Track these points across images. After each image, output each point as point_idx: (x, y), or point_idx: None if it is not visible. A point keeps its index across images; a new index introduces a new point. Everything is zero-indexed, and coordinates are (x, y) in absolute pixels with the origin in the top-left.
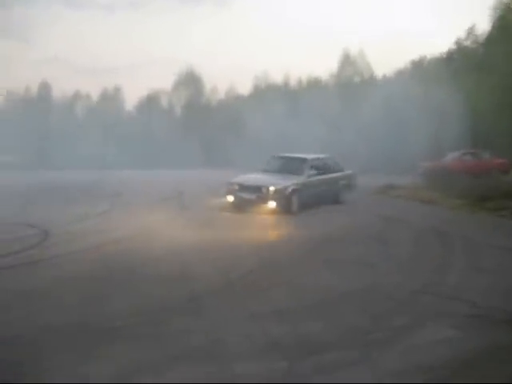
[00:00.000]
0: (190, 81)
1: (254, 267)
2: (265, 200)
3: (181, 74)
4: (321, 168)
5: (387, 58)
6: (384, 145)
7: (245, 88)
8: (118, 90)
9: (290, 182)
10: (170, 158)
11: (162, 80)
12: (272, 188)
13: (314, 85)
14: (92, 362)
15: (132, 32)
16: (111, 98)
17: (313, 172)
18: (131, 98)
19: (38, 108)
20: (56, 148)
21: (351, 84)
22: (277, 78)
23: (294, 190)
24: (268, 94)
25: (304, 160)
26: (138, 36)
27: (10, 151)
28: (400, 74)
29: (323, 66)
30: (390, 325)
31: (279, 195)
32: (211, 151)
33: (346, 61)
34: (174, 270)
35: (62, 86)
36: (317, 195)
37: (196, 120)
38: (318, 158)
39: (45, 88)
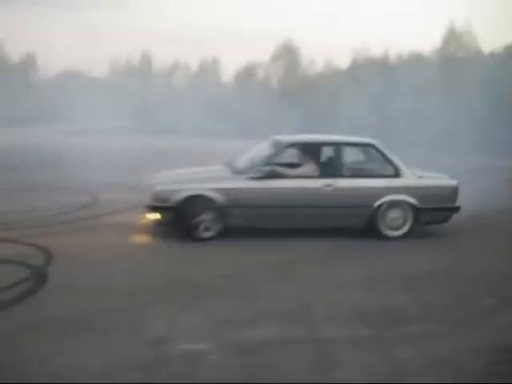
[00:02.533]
0: (288, 53)
1: None
2: (148, 208)
3: (278, 46)
4: (328, 166)
5: (495, 32)
6: (489, 126)
7: (343, 62)
8: (216, 60)
9: (202, 184)
10: (266, 129)
11: (260, 52)
12: (158, 188)
13: (416, 60)
14: (189, 314)
15: (231, 2)
16: (209, 68)
17: (285, 171)
18: (229, 69)
19: (139, 77)
20: (156, 115)
21: (456, 59)
22: (376, 52)
23: (196, 198)
24: (366, 69)
25: (268, 148)
26: (237, 6)
27: (118, 117)
28: (510, 49)
29: (426, 41)
30: None
31: (165, 202)
32: (306, 125)
33: (451, 35)
34: None
35: (162, 56)
36: (292, 216)
37: (292, 93)
38: (314, 145)
39: (145, 58)
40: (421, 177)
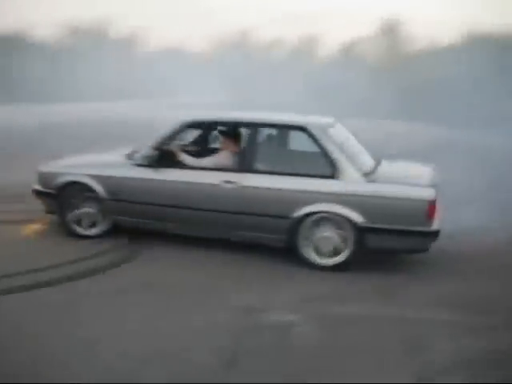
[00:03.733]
0: (390, 30)
1: None
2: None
3: (380, 22)
4: (237, 156)
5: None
6: None
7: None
8: (316, 37)
9: (85, 169)
10: (363, 107)
11: (360, 28)
12: (42, 169)
13: None
14: None
15: None
16: (309, 45)
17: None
18: (329, 46)
19: (240, 52)
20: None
21: None
22: (485, 28)
23: (76, 185)
24: (474, 46)
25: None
26: None
27: (218, 92)
28: None
29: None
30: None
31: (47, 187)
32: (406, 103)
33: None
34: None
35: (263, 32)
36: (183, 220)
37: (393, 71)
38: (223, 124)
39: (244, 34)
40: (372, 180)
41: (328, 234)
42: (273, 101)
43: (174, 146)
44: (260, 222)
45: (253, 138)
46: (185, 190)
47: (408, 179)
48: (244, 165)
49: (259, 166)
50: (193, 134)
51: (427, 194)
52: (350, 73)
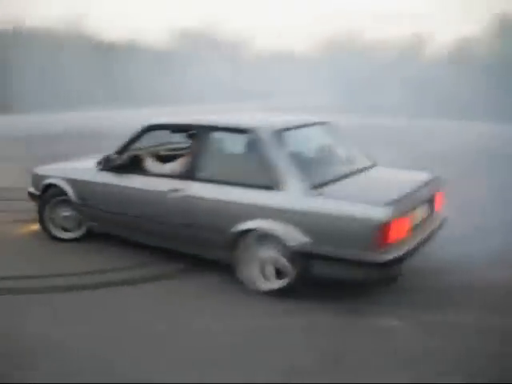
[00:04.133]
0: (504, 29)
1: None
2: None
3: (495, 19)
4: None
5: None
6: None
7: None
8: (423, 36)
9: (63, 172)
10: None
11: (471, 26)
12: (35, 171)
13: None
14: None
15: None
16: (416, 45)
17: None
18: (436, 45)
19: (345, 54)
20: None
21: None
22: None
23: (53, 188)
24: None
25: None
26: None
27: (320, 95)
28: None
29: None
30: None
31: (36, 189)
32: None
33: None
34: None
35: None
36: (140, 229)
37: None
38: (180, 128)
39: (350, 35)
40: (319, 194)
41: (264, 255)
42: (379, 102)
43: (140, 152)
44: (201, 235)
45: (200, 142)
46: (136, 197)
47: (367, 194)
48: (189, 172)
49: (203, 173)
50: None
51: (378, 214)
52: (459, 73)
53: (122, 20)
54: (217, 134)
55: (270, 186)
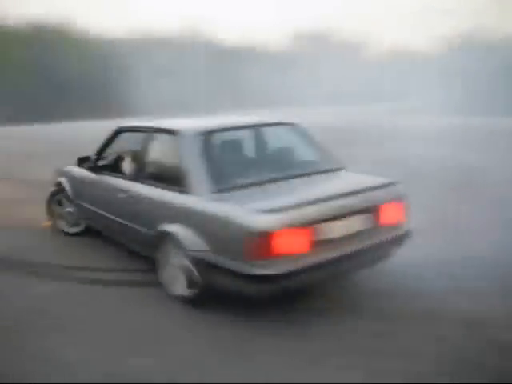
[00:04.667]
0: None
1: None
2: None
3: None
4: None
5: None
6: None
7: None
8: None
9: (72, 168)
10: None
11: None
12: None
13: None
14: None
15: None
16: None
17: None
18: None
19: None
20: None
21: None
22: None
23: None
24: None
25: None
26: None
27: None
28: None
29: None
30: None
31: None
32: None
33: None
34: None
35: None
36: (112, 228)
37: None
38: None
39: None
40: (220, 198)
41: (177, 261)
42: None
43: (120, 153)
44: (139, 234)
45: (143, 144)
46: (103, 195)
47: (264, 200)
48: (133, 173)
49: (141, 174)
50: None
51: (254, 222)
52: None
53: (238, 23)
54: (151, 136)
55: (183, 188)
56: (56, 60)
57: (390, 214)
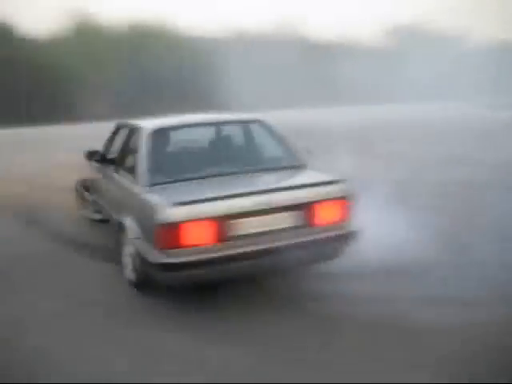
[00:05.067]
0: None
1: None
2: None
3: None
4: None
5: None
6: None
7: None
8: None
9: None
10: None
11: None
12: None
13: None
14: None
15: None
16: None
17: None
18: None
19: None
20: None
21: None
22: None
23: None
24: None
25: None
26: None
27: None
28: None
29: None
30: None
31: None
32: None
33: None
34: None
35: None
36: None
37: None
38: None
39: None
40: (151, 191)
41: (128, 248)
42: None
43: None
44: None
45: (126, 139)
46: (99, 186)
47: (188, 193)
48: (116, 165)
49: (120, 166)
50: None
51: (162, 213)
52: None
53: (332, 18)
54: (131, 132)
55: (134, 180)
56: (150, 58)
57: (327, 213)
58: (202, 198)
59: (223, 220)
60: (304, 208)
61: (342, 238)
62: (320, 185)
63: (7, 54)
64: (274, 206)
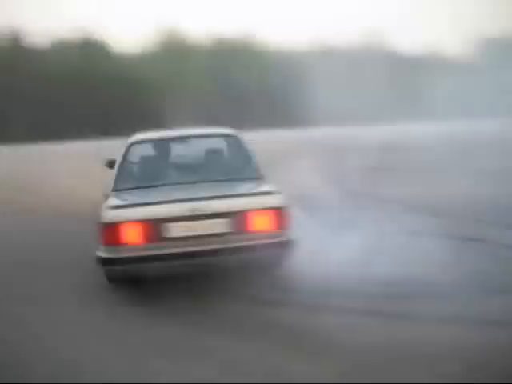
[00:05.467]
0: None
1: None
2: None
3: None
4: None
5: None
6: None
7: None
8: None
9: None
10: None
11: None
12: None
13: None
14: None
15: None
16: None
17: None
18: None
19: None
20: None
21: None
22: None
23: None
24: None
25: None
26: None
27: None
28: None
29: None
30: None
31: None
32: None
33: None
34: None
35: None
36: None
37: None
38: None
39: None
40: (114, 195)
41: None
42: None
43: None
44: None
45: None
46: None
47: (137, 198)
48: None
49: None
50: None
51: (105, 214)
52: None
53: (418, 32)
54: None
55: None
56: (238, 72)
57: (260, 221)
58: (139, 202)
59: (156, 223)
60: (235, 216)
61: (276, 246)
62: (256, 195)
63: (103, 70)
64: (202, 212)
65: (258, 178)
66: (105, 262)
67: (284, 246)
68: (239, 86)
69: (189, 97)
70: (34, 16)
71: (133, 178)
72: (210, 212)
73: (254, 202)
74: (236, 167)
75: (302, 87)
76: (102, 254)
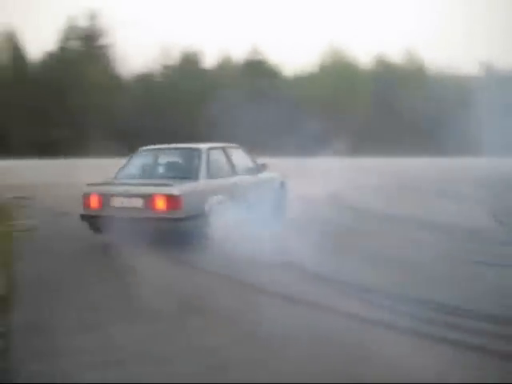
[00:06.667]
0: None
1: None
2: None
3: None
4: None
5: None
6: None
7: None
8: None
9: None
10: None
11: None
12: None
13: None
14: None
15: None
16: None
17: None
18: None
19: None
20: None
21: None
22: None
23: None
24: None
25: None
26: None
27: None
28: None
29: None
30: None
31: None
32: None
33: None
34: None
35: None
36: None
37: None
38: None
39: None
40: None
41: None
42: None
43: None
44: None
45: None
46: None
47: (112, 182)
48: None
49: None
50: None
51: (84, 189)
52: None
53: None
54: None
55: None
56: (401, 96)
57: (161, 203)
58: (102, 183)
59: (106, 196)
60: (148, 197)
61: (168, 220)
62: (161, 186)
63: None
64: (130, 193)
65: (194, 178)
66: (81, 217)
67: (174, 220)
68: (404, 110)
69: (351, 119)
70: None
71: (128, 171)
72: (133, 193)
73: (158, 190)
74: (184, 171)
75: (464, 112)
76: (81, 211)
